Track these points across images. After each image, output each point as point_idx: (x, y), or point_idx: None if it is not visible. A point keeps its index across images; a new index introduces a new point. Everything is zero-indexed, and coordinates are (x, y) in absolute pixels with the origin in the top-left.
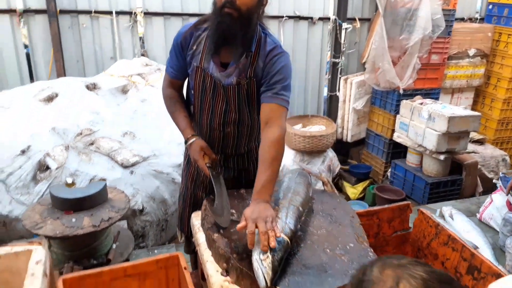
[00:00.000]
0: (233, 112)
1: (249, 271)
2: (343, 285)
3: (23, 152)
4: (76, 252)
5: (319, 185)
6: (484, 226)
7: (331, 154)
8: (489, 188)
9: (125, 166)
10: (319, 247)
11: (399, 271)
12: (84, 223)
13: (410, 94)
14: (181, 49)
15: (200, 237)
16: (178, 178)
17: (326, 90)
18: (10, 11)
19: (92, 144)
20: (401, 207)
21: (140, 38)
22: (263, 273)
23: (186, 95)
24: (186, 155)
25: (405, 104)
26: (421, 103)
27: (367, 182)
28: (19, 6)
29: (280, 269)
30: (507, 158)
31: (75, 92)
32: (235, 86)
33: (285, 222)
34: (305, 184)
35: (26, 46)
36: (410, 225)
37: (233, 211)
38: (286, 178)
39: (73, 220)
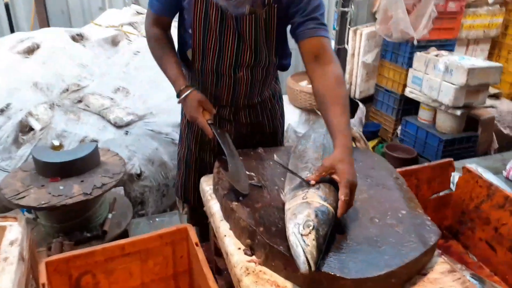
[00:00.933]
0: (247, 51)
1: (282, 249)
2: (404, 264)
3: (1, 111)
4: (66, 224)
5: None
6: None
7: (352, 121)
8: (504, 144)
9: (118, 126)
10: (364, 216)
11: None
12: (73, 191)
13: (423, 46)
14: None
15: (213, 205)
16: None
17: (333, 43)
18: None
19: (80, 101)
20: (442, 165)
21: None
22: (304, 252)
23: (180, 38)
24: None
25: (419, 56)
26: (437, 55)
27: (376, 141)
28: None
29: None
30: None
31: (59, 43)
32: (250, 16)
33: (330, 189)
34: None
35: None
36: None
37: (252, 174)
38: (313, 133)
39: (61, 187)
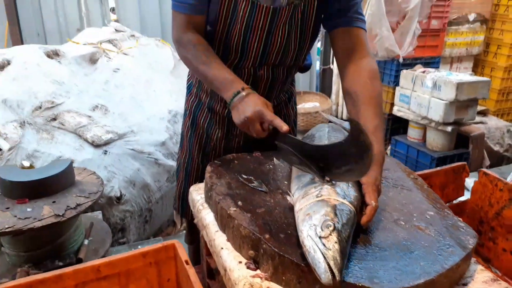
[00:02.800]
0: (276, 47)
1: (295, 259)
2: (445, 271)
3: None
4: (35, 252)
5: None
6: None
7: None
8: (495, 161)
9: (96, 145)
10: (388, 219)
11: None
12: (43, 212)
13: (409, 64)
14: None
15: (205, 216)
16: (162, 159)
17: (318, 64)
18: None
19: (54, 119)
20: (456, 169)
21: (112, 8)
22: (326, 258)
23: None
24: (191, 113)
25: (405, 74)
26: (423, 72)
27: None
28: None
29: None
30: None
31: (32, 59)
32: (289, 7)
33: (348, 185)
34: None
35: None
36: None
37: (251, 177)
38: (317, 133)
39: (29, 210)
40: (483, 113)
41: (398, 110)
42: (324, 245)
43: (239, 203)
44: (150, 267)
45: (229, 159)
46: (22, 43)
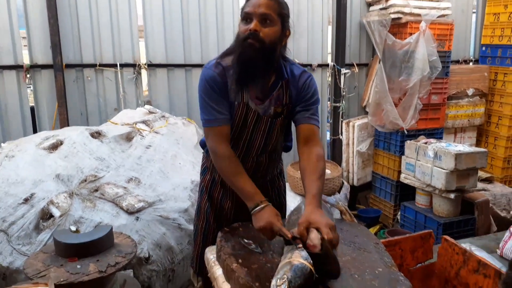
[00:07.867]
0: (272, 141)
1: None
2: None
3: (26, 200)
4: None
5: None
6: (506, 262)
7: (338, 196)
8: (504, 227)
9: (130, 212)
10: (346, 273)
11: None
12: (90, 269)
13: (413, 134)
14: (223, 89)
15: (216, 270)
16: (185, 224)
17: (328, 134)
18: (17, 67)
19: (96, 190)
20: (423, 235)
21: (145, 89)
22: None
23: None
24: (208, 190)
25: (409, 144)
26: (426, 143)
27: (377, 227)
28: (26, 61)
29: None
30: None
31: (80, 139)
32: (277, 115)
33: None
34: (326, 213)
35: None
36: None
37: (250, 241)
38: (302, 205)
39: (78, 266)
40: (488, 180)
41: (405, 178)
42: None
43: (240, 260)
44: None
45: (235, 227)
46: (68, 122)
